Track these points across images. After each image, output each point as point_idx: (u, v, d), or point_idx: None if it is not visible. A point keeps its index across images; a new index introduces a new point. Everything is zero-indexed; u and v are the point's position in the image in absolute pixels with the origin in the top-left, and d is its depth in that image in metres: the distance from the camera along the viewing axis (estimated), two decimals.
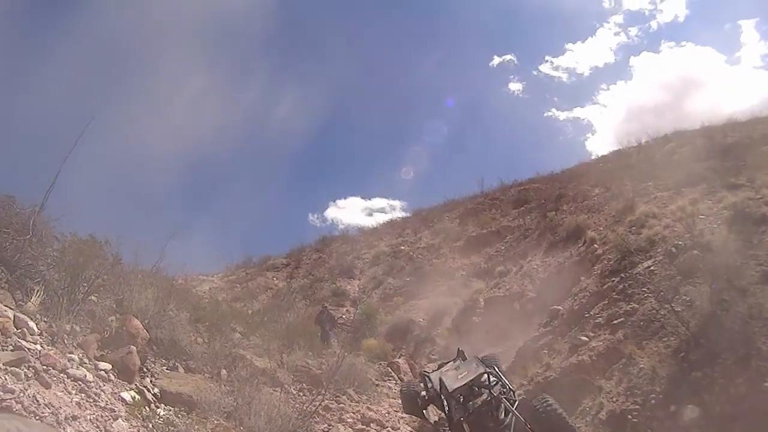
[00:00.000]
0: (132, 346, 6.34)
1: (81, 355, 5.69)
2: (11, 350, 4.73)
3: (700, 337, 7.62)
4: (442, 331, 16.44)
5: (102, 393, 5.25)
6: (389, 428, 9.49)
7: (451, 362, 8.56)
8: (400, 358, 15.15)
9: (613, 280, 10.42)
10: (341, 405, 9.69)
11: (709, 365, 7.20)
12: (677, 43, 65.64)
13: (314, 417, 8.38)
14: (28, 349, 4.91)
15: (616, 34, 63.90)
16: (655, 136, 20.03)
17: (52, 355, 5.07)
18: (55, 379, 4.81)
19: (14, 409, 3.99)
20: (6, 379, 4.26)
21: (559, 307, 11.59)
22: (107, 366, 5.86)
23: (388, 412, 10.25)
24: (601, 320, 9.66)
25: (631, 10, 66.58)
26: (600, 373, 8.63)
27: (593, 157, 25.05)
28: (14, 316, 5.23)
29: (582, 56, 74.14)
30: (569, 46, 74.86)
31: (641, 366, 8.05)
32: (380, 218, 36.83)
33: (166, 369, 7.27)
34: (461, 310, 16.67)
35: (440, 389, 7.90)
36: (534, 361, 10.37)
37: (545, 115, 64.22)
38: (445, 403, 7.74)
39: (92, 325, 6.55)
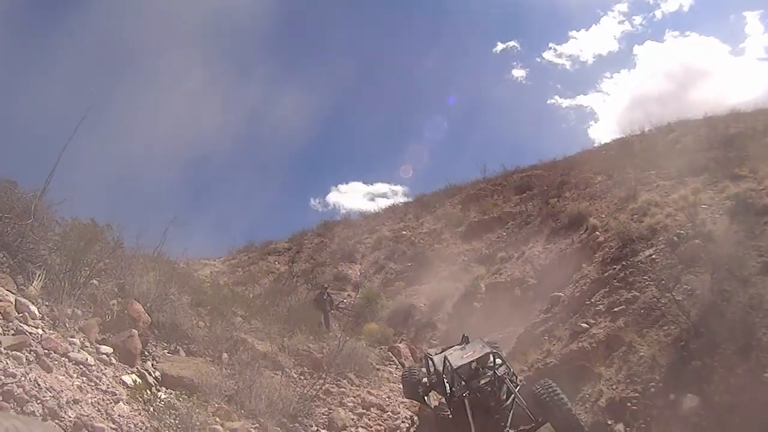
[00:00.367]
0: (133, 330, 6.36)
1: (82, 338, 5.71)
2: (13, 334, 4.74)
3: (701, 326, 7.61)
4: (443, 317, 16.53)
5: (103, 376, 5.27)
6: (389, 412, 9.56)
7: (456, 346, 8.63)
8: (401, 342, 15.26)
9: (615, 268, 10.40)
10: (342, 389, 9.76)
11: (709, 355, 7.19)
12: (681, 32, 65.07)
13: (315, 401, 8.46)
14: (30, 333, 4.92)
15: (620, 22, 63.35)
16: (658, 125, 19.98)
17: (53, 339, 5.08)
18: (56, 362, 4.83)
19: (15, 396, 4.01)
20: (7, 363, 4.28)
21: (560, 294, 11.60)
22: (108, 350, 5.88)
23: (389, 397, 10.33)
24: (602, 307, 9.66)
25: None
26: (600, 360, 8.65)
27: (596, 145, 25.03)
28: (16, 300, 5.24)
29: (586, 44, 73.54)
30: (573, 33, 74.20)
31: (641, 354, 8.06)
32: (382, 203, 36.98)
33: (168, 353, 7.31)
34: (462, 296, 16.72)
35: (443, 369, 7.98)
36: (534, 347, 10.42)
37: (548, 102, 63.94)
38: (447, 382, 7.82)
39: (94, 309, 6.58)
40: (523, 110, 62.65)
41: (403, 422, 9.41)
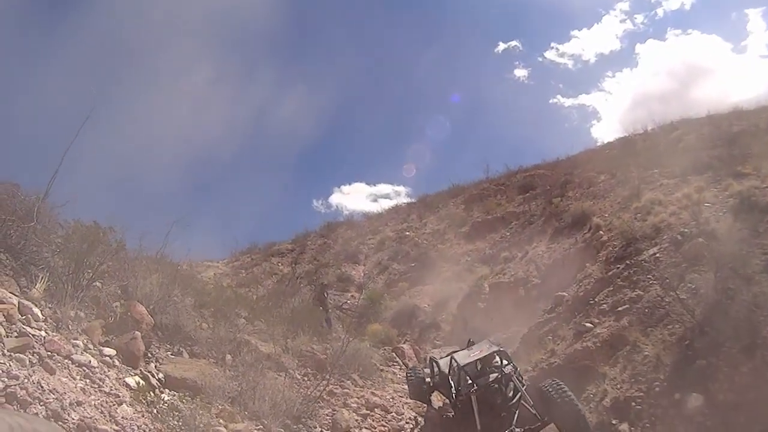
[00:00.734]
0: (136, 332, 6.38)
1: (85, 340, 5.72)
2: (16, 336, 4.76)
3: (705, 325, 7.57)
4: (447, 317, 16.49)
5: (106, 378, 5.29)
6: (393, 413, 9.55)
7: (461, 350, 8.66)
8: (404, 343, 15.22)
9: (618, 267, 10.36)
10: (346, 390, 9.75)
11: (713, 354, 7.15)
12: (683, 30, 64.51)
13: (319, 402, 8.46)
14: (33, 335, 4.94)
15: (622, 21, 62.97)
16: (661, 123, 19.77)
17: (56, 341, 5.10)
18: (59, 365, 4.84)
19: (18, 398, 4.01)
20: (11, 366, 4.29)
21: (564, 294, 11.55)
22: (112, 351, 5.90)
23: (393, 398, 10.31)
24: (606, 307, 9.63)
25: None
26: (604, 359, 8.62)
27: (599, 144, 24.77)
28: (19, 302, 5.26)
29: (588, 43, 73.15)
30: (575, 32, 73.62)
31: (646, 353, 8.03)
32: (385, 204, 36.75)
33: (171, 354, 7.32)
34: (466, 296, 16.66)
35: (449, 369, 8.00)
36: (538, 347, 10.39)
37: (551, 101, 63.54)
38: (452, 381, 7.84)
39: (97, 311, 6.60)
40: (526, 110, 62.39)
41: (407, 423, 9.40)
